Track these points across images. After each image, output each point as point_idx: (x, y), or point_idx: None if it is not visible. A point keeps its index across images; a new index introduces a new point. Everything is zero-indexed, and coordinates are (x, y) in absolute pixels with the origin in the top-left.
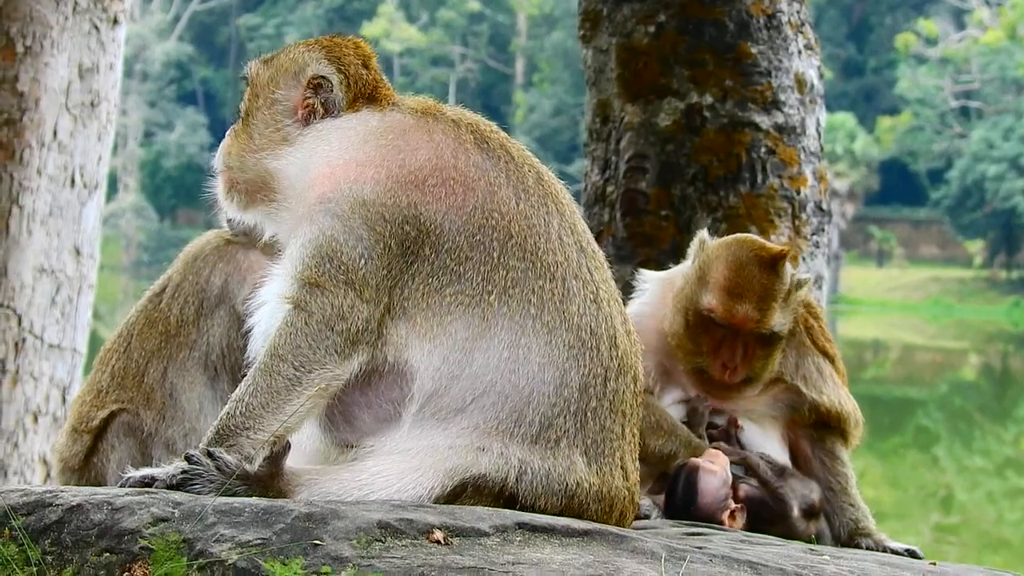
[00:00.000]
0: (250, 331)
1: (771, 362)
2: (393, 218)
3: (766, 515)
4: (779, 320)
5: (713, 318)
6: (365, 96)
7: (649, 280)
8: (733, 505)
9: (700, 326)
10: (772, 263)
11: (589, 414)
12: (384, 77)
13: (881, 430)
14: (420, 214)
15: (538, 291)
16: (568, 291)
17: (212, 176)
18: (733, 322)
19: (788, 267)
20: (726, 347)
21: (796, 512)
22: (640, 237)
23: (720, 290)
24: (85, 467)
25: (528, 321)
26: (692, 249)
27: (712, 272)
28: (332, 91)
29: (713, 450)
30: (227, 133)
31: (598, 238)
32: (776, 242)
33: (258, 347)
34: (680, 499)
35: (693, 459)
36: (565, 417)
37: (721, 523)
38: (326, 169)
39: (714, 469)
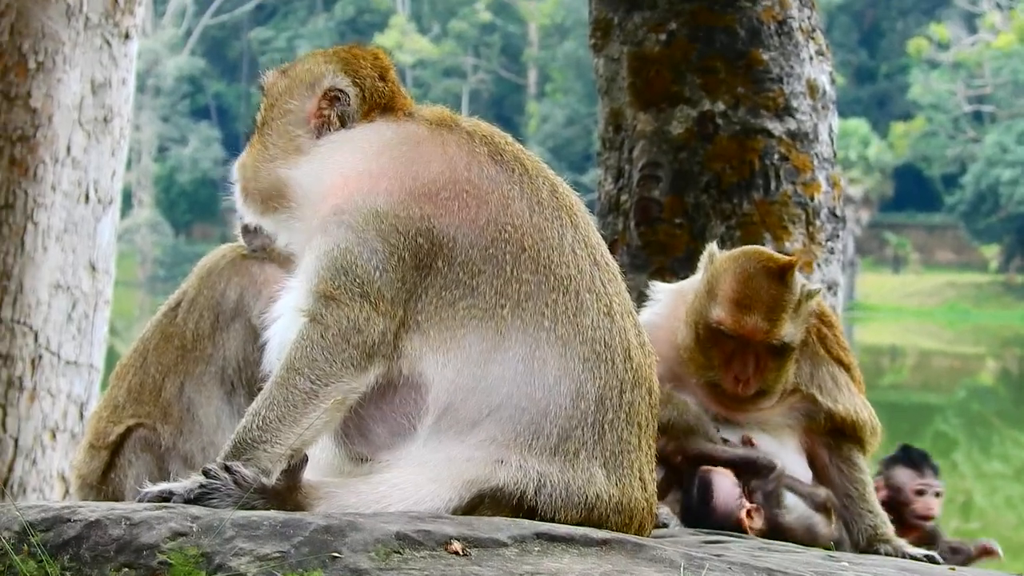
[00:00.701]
0: (266, 344)
1: (784, 374)
2: (406, 230)
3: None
4: (789, 331)
5: (723, 330)
6: (380, 107)
7: (661, 291)
8: (748, 505)
9: (710, 339)
10: (780, 273)
11: (607, 426)
12: (401, 87)
13: (899, 436)
14: (433, 227)
15: (551, 304)
16: (582, 304)
17: (230, 185)
18: (742, 333)
19: (797, 277)
20: (737, 360)
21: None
22: (654, 245)
23: (728, 302)
24: (103, 483)
25: (542, 334)
26: (702, 262)
27: (721, 285)
28: (348, 104)
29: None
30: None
31: (612, 247)
32: (790, 249)
33: (274, 360)
34: (695, 503)
35: (705, 467)
36: (583, 429)
37: (739, 523)
38: (339, 180)
39: (725, 472)
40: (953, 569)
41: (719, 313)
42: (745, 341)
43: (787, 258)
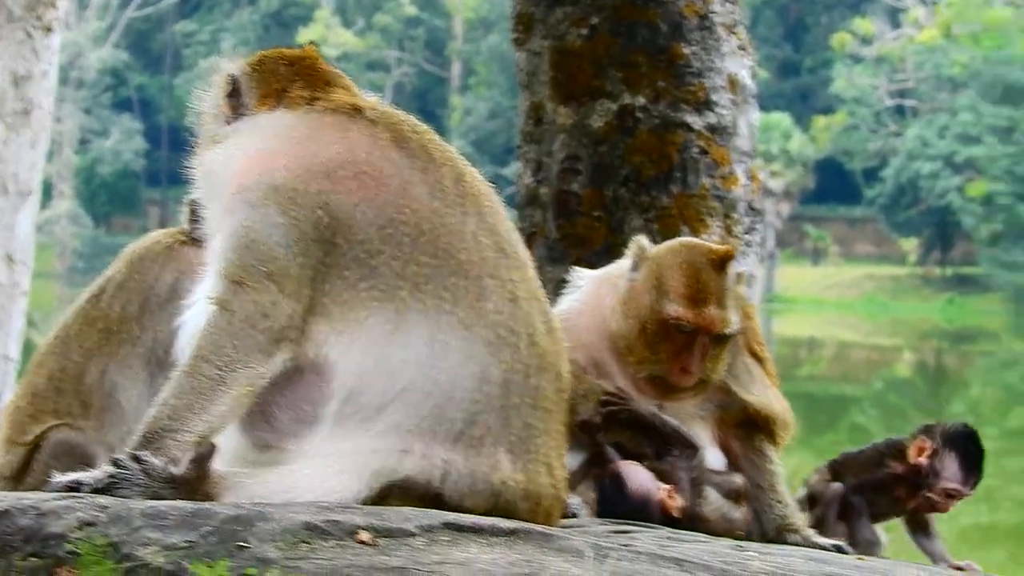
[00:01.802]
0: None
1: (723, 362)
2: (305, 203)
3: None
4: (735, 318)
5: (681, 326)
6: (281, 94)
7: (583, 278)
8: (665, 486)
9: (661, 334)
10: (721, 264)
11: (512, 411)
12: (320, 76)
13: (817, 427)
14: (330, 202)
15: (451, 288)
16: (483, 289)
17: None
18: (702, 326)
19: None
20: (686, 352)
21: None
22: (573, 238)
23: (682, 297)
24: (19, 480)
25: (443, 317)
26: (631, 254)
27: (669, 280)
28: (242, 91)
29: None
30: None
31: (530, 239)
32: (708, 242)
33: (184, 349)
34: (610, 491)
35: (613, 463)
36: (488, 415)
37: (661, 506)
38: (243, 162)
39: (633, 463)
40: (861, 559)
41: (676, 309)
42: (702, 333)
43: (724, 247)
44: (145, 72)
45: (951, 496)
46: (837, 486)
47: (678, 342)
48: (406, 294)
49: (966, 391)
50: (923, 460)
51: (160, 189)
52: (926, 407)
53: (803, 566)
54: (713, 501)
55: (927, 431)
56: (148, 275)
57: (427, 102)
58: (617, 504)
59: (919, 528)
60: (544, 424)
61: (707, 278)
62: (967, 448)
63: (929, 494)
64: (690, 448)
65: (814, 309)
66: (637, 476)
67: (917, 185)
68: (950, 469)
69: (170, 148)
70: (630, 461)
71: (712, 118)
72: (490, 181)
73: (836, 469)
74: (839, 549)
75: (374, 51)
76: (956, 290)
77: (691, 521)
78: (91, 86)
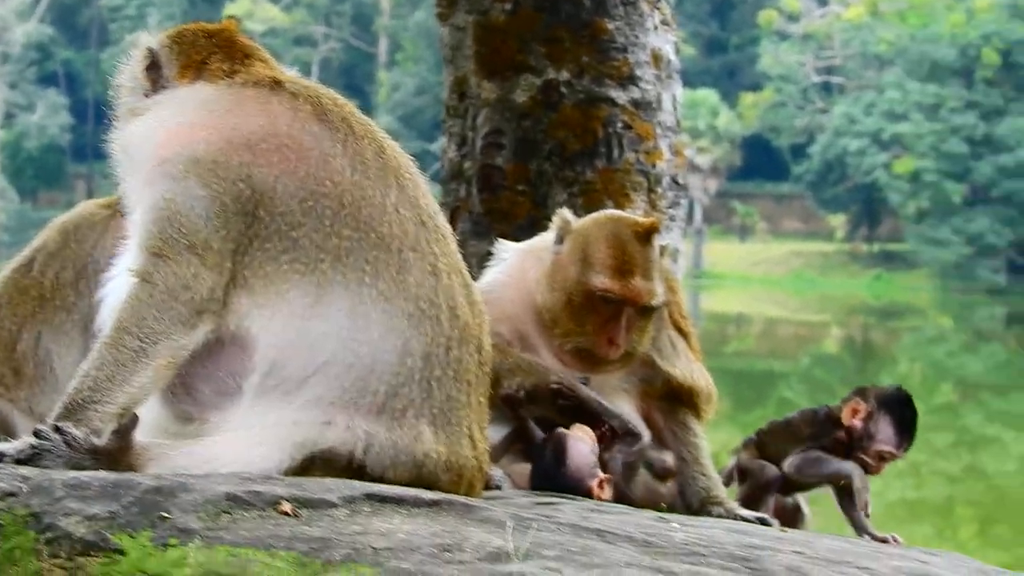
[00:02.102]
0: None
1: (648, 334)
2: (226, 176)
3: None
4: (660, 290)
5: (608, 296)
6: (201, 67)
7: (507, 250)
8: (602, 475)
9: (587, 306)
10: (647, 236)
11: (434, 383)
12: (239, 49)
13: (744, 403)
14: (252, 175)
15: (372, 261)
16: (404, 262)
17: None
18: (629, 297)
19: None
20: (613, 324)
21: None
22: (497, 212)
23: (609, 269)
24: None
25: (364, 289)
26: (555, 227)
27: (595, 252)
28: (162, 64)
29: (581, 426)
30: None
31: (455, 214)
32: (633, 215)
33: (106, 320)
34: (548, 462)
35: (562, 429)
36: (410, 387)
37: (589, 491)
38: (162, 135)
39: (583, 438)
40: (784, 531)
41: (602, 280)
42: (629, 304)
43: (649, 220)
44: (71, 47)
45: (883, 459)
46: (773, 470)
47: (604, 314)
48: (327, 267)
49: (893, 367)
50: (857, 422)
51: (87, 163)
52: (853, 383)
53: (726, 538)
54: (643, 483)
55: (861, 393)
56: (86, 243)
57: (354, 77)
58: (552, 473)
59: (846, 494)
60: (466, 396)
61: (633, 250)
62: (902, 411)
63: (863, 456)
64: (631, 436)
65: (742, 285)
66: (579, 453)
67: (844, 162)
68: (885, 432)
69: (96, 123)
70: (579, 433)
71: (636, 93)
72: (417, 157)
73: (763, 439)
74: (763, 521)
75: (300, 26)
76: (883, 266)
77: (619, 501)
78: (16, 60)
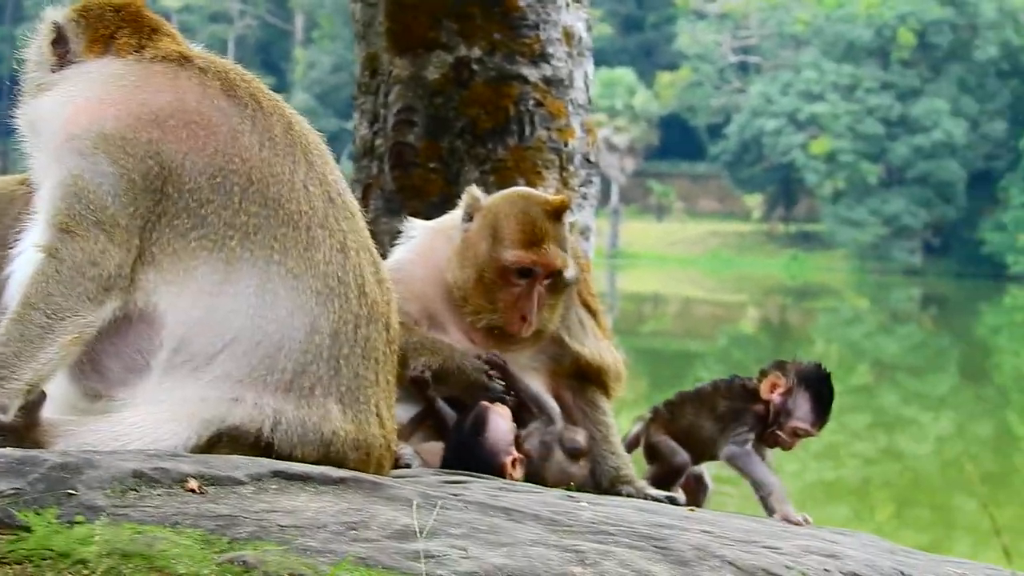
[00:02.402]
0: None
1: (559, 312)
2: (135, 152)
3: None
4: (571, 262)
5: (520, 267)
6: (109, 41)
7: (416, 228)
8: (515, 454)
9: (498, 282)
10: (557, 213)
11: (342, 361)
12: (146, 23)
13: (660, 383)
14: (161, 151)
15: (280, 238)
16: (313, 239)
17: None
18: (541, 262)
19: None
20: (524, 300)
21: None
22: (409, 190)
23: (520, 242)
24: None
25: (272, 267)
26: (464, 204)
27: (506, 228)
28: (72, 40)
29: (500, 405)
30: None
31: (366, 191)
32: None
33: (13, 296)
34: (467, 434)
35: (485, 403)
36: (318, 364)
37: (502, 467)
38: (70, 110)
39: (503, 413)
40: (692, 509)
41: (514, 253)
42: (536, 276)
43: (559, 197)
44: None
45: (798, 435)
46: (684, 457)
47: (515, 291)
48: (236, 244)
49: (809, 347)
50: (776, 397)
51: (2, 140)
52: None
53: (634, 517)
54: (556, 463)
55: (781, 368)
56: (6, 217)
57: (270, 55)
58: (469, 445)
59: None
60: (374, 375)
61: (543, 223)
62: (821, 388)
63: (778, 432)
64: (548, 416)
65: (658, 265)
66: (498, 427)
67: (761, 142)
68: (803, 408)
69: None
70: (500, 408)
71: (548, 70)
72: (334, 135)
73: (673, 412)
74: (672, 501)
75: (216, 3)
76: (799, 247)
77: (530, 481)
78: None
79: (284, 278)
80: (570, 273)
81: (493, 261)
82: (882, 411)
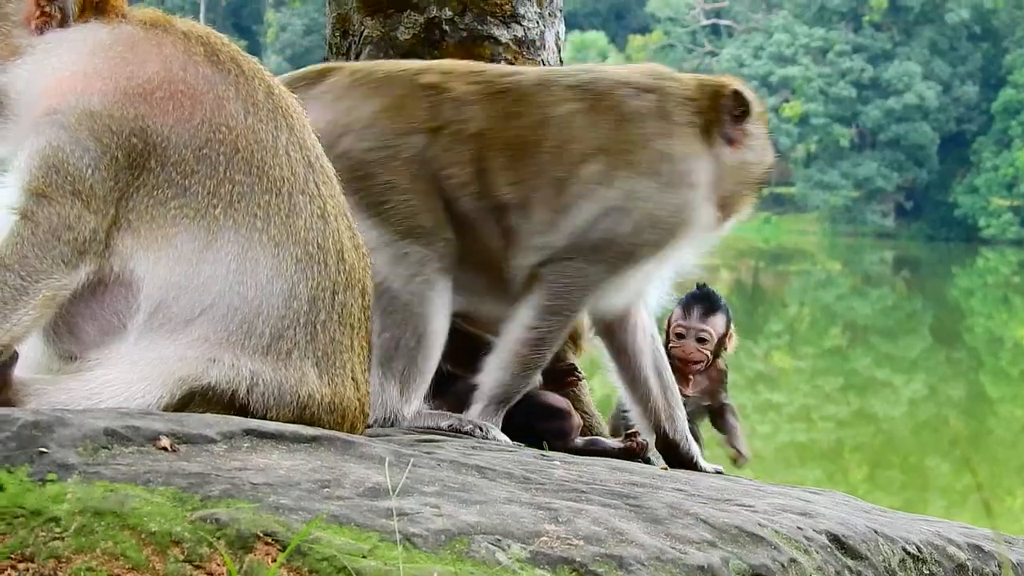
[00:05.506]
0: None
1: None
2: (120, 130)
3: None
4: None
5: None
6: (94, 7)
7: None
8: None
9: None
10: None
11: (319, 326)
12: None
13: None
14: (147, 127)
15: (264, 205)
16: (294, 206)
17: None
18: None
19: None
20: None
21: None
22: None
23: None
24: None
25: (254, 235)
26: None
27: None
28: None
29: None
30: None
31: None
32: None
33: None
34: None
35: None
36: (295, 329)
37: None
38: (53, 81)
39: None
40: (665, 469)
41: None
42: None
43: None
44: None
45: (680, 336)
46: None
47: None
48: (219, 212)
49: (783, 311)
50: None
51: None
52: (743, 326)
53: (607, 475)
54: None
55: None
56: None
57: (242, 18)
58: (539, 411)
59: (718, 427)
60: (350, 340)
61: None
62: (688, 296)
63: (669, 352)
64: None
65: None
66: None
67: None
68: (670, 317)
69: None
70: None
71: (519, 31)
72: None
73: None
74: (646, 461)
75: None
76: (772, 210)
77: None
78: None
79: (265, 246)
80: None
81: None
82: (855, 373)
